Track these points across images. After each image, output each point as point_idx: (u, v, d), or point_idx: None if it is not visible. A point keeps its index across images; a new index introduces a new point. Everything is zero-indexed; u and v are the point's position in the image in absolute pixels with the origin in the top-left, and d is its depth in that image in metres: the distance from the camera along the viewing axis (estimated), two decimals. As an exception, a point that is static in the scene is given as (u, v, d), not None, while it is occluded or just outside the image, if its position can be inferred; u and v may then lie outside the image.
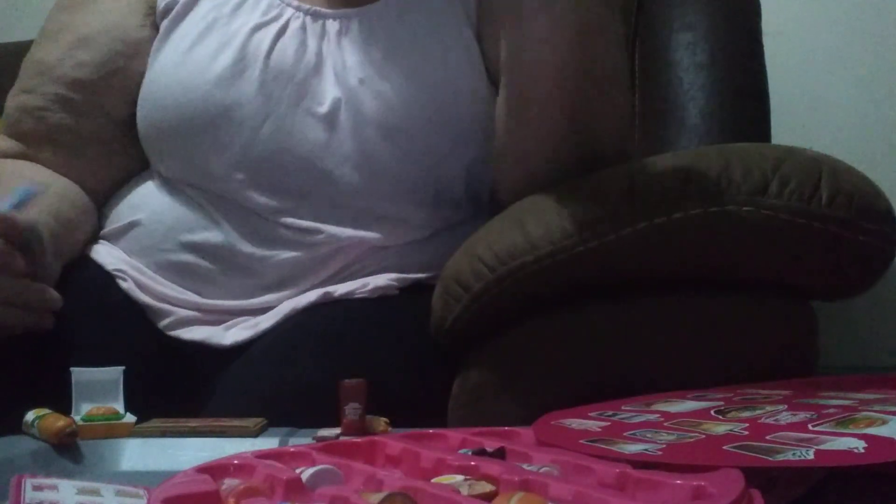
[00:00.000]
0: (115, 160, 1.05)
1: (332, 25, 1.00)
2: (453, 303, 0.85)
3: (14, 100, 1.05)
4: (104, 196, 1.05)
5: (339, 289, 0.95)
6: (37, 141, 1.03)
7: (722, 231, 0.77)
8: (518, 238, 0.83)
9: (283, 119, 0.96)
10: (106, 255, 0.99)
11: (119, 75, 1.02)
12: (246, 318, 0.95)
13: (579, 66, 0.85)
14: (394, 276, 0.97)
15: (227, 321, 0.96)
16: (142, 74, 1.02)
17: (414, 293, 0.96)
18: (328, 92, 0.97)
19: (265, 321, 0.94)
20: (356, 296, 0.94)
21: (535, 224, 0.83)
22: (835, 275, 0.81)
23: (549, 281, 0.82)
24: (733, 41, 1.34)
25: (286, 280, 0.95)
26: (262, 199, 0.96)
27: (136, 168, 1.05)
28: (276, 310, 0.94)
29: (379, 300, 0.94)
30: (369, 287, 0.95)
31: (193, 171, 0.98)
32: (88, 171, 1.04)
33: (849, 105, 1.56)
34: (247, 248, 0.96)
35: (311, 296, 0.94)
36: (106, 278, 0.97)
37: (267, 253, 0.95)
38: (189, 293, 0.97)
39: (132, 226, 1.00)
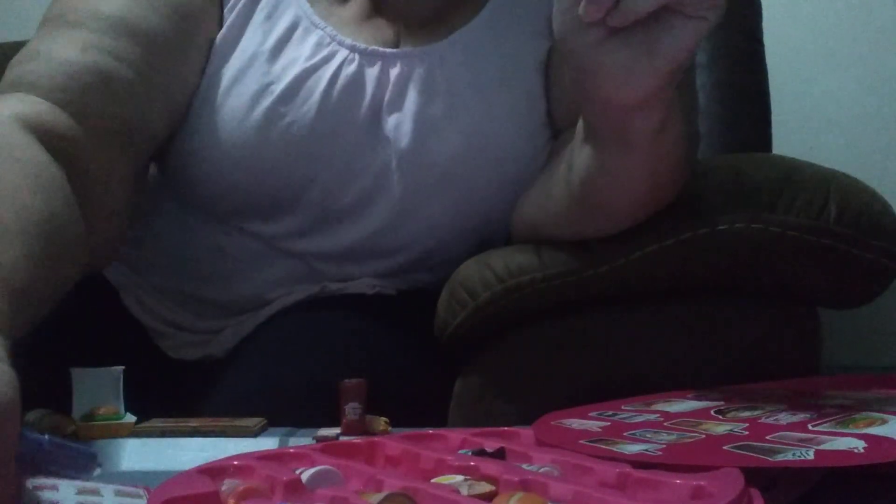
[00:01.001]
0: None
1: (393, 69, 0.90)
2: (458, 308, 0.85)
3: (58, 45, 0.80)
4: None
5: (336, 283, 0.94)
6: (96, 123, 0.80)
7: (730, 249, 0.77)
8: (531, 256, 0.83)
9: (330, 182, 0.90)
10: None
11: (191, 45, 0.88)
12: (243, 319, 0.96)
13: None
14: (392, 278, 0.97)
15: (223, 330, 0.96)
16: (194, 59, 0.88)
17: (411, 292, 0.96)
18: (381, 153, 0.90)
19: (262, 314, 0.93)
20: (353, 290, 0.94)
21: (548, 246, 0.83)
22: (840, 288, 0.81)
23: (557, 297, 0.82)
24: (733, 41, 1.34)
25: (290, 295, 0.95)
26: (296, 247, 0.93)
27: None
28: (271, 305, 0.94)
29: (376, 298, 0.94)
30: (366, 283, 0.94)
31: (220, 212, 0.93)
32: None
33: (849, 105, 1.57)
34: (256, 281, 0.94)
35: (308, 289, 0.94)
36: (107, 287, 0.97)
37: (280, 289, 0.94)
38: (188, 315, 0.96)
39: (135, 241, 0.97)
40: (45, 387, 0.81)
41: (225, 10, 0.91)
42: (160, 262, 0.96)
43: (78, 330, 0.91)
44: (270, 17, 0.90)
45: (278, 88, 0.87)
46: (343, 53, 0.90)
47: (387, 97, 0.90)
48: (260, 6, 0.91)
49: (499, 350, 0.86)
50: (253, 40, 0.89)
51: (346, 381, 0.68)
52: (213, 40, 0.90)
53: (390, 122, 0.90)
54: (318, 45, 0.89)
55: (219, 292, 0.95)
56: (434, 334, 0.90)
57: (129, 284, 0.97)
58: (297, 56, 0.89)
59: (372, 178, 0.90)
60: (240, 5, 0.90)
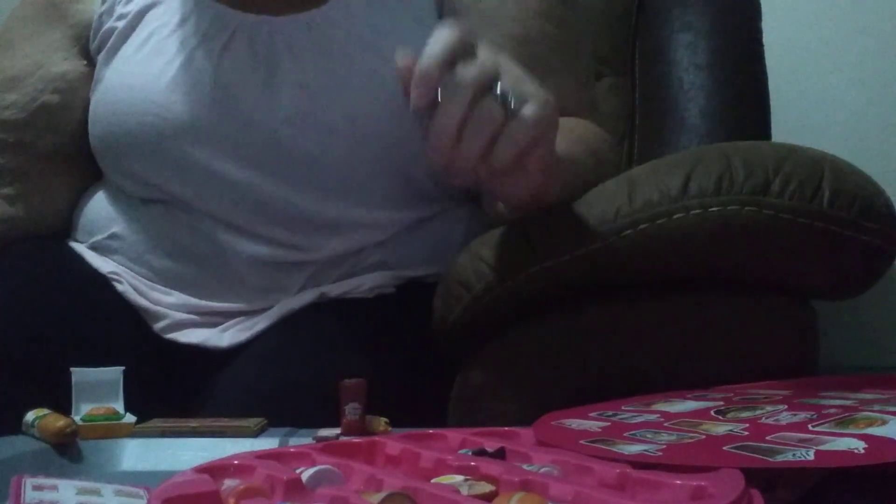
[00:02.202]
0: (45, 190, 1.05)
1: (281, 33, 0.96)
2: (454, 303, 0.85)
3: None
4: (50, 216, 1.06)
5: (335, 289, 0.95)
6: None
7: (723, 232, 0.77)
8: (522, 243, 0.83)
9: (237, 137, 0.93)
10: (98, 259, 1.00)
11: (45, 111, 1.03)
12: (242, 319, 0.96)
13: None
14: (389, 273, 0.97)
15: (223, 323, 0.96)
16: (69, 107, 1.03)
17: (411, 291, 0.96)
18: (283, 105, 0.93)
19: (261, 322, 0.94)
20: (352, 296, 0.94)
21: (538, 230, 0.83)
22: (836, 274, 0.81)
23: (552, 283, 0.82)
24: (733, 41, 1.34)
25: (278, 282, 0.95)
26: (223, 216, 0.95)
27: (76, 187, 1.06)
28: (271, 311, 0.94)
29: (376, 300, 0.94)
30: (365, 287, 0.95)
31: (149, 186, 0.97)
32: (20, 199, 1.04)
33: (849, 105, 1.57)
34: (233, 265, 0.95)
35: (307, 296, 0.94)
36: (101, 280, 0.98)
37: (250, 256, 0.95)
38: (183, 296, 0.97)
39: (113, 238, 1.00)
40: (46, 387, 0.81)
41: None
42: (140, 251, 0.98)
43: (77, 327, 0.91)
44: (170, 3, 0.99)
45: (179, 58, 0.95)
46: (235, 23, 0.97)
47: (282, 55, 0.95)
48: None
49: (498, 349, 0.86)
50: (150, 32, 0.98)
51: (346, 381, 0.69)
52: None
53: (290, 74, 0.94)
54: (213, 22, 0.97)
55: (203, 273, 0.96)
56: (432, 332, 0.90)
57: (121, 272, 0.98)
58: (195, 33, 0.96)
59: (277, 129, 0.93)
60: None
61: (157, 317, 0.96)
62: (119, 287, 0.97)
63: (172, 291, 0.97)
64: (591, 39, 1.34)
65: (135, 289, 0.97)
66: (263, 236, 0.94)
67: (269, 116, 0.93)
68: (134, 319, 0.96)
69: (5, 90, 1.03)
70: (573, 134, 0.90)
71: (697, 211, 0.77)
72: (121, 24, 1.00)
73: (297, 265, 0.95)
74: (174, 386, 0.92)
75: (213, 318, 0.96)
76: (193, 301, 0.96)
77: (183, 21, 0.98)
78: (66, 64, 1.03)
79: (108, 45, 1.01)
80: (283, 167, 0.93)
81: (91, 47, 1.04)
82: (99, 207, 1.02)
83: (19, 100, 1.03)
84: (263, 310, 0.95)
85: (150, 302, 0.97)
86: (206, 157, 0.93)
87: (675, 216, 0.78)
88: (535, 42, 1.00)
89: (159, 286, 0.97)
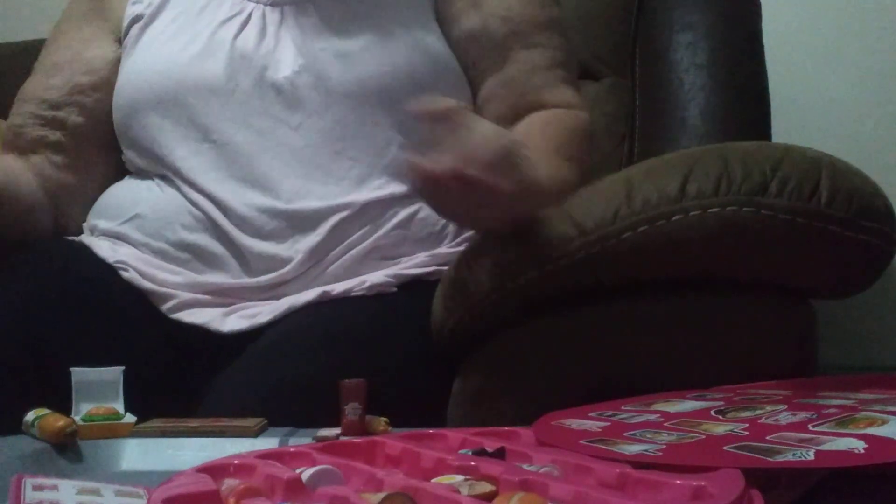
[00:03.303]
0: (85, 164, 1.15)
1: (290, 11, 1.07)
2: (454, 308, 0.85)
3: (5, 122, 1.19)
4: (78, 193, 1.14)
5: (337, 287, 0.95)
6: (18, 150, 1.16)
7: (722, 233, 0.77)
8: (518, 249, 0.83)
9: (249, 93, 1.03)
10: (108, 249, 1.01)
11: (77, 91, 1.14)
12: (245, 304, 0.96)
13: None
14: (390, 272, 0.97)
15: (228, 305, 0.97)
16: (99, 88, 1.13)
17: (412, 290, 0.96)
18: (289, 62, 1.03)
19: (263, 315, 0.94)
20: (354, 294, 0.95)
21: (535, 235, 0.83)
22: (835, 274, 0.81)
23: (552, 287, 0.82)
24: (733, 41, 1.34)
25: (277, 259, 0.97)
26: (227, 184, 0.99)
27: (110, 173, 1.14)
28: (274, 305, 0.95)
29: (377, 298, 0.95)
30: (366, 285, 0.95)
31: (167, 153, 1.03)
32: (67, 167, 1.14)
33: (849, 105, 1.56)
34: (232, 228, 0.98)
35: (310, 294, 0.95)
36: (107, 270, 0.99)
37: (249, 229, 0.98)
38: (191, 274, 0.98)
39: (136, 218, 1.03)
40: (45, 387, 0.81)
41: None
42: (159, 226, 1.01)
43: (80, 319, 0.92)
44: None
45: (202, 36, 1.06)
46: (251, 6, 1.08)
47: (291, 28, 1.06)
48: None
49: (498, 349, 0.86)
50: (176, 14, 1.09)
51: (346, 381, 0.69)
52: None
53: (297, 40, 1.05)
54: (233, 6, 1.08)
55: (213, 245, 0.99)
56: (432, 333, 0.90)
57: (128, 260, 1.00)
58: (216, 16, 1.08)
59: (284, 85, 1.02)
60: None
61: (165, 298, 0.98)
62: (125, 275, 0.98)
63: (181, 270, 0.99)
64: (591, 38, 1.34)
65: (141, 273, 0.98)
66: (260, 209, 0.98)
67: (276, 72, 1.03)
68: (138, 308, 0.97)
69: (49, 76, 1.16)
70: (550, 143, 0.98)
71: (696, 212, 0.77)
72: (149, 10, 1.12)
73: (292, 239, 0.97)
74: (176, 380, 0.93)
75: (219, 299, 0.97)
76: (200, 279, 0.98)
77: (203, 7, 1.09)
78: (100, 51, 1.15)
79: (138, 25, 1.12)
80: (285, 113, 1.02)
81: (123, 29, 1.13)
82: (124, 192, 1.07)
83: (58, 82, 1.15)
84: (265, 288, 0.96)
85: (157, 284, 0.98)
86: (218, 110, 1.02)
87: (673, 217, 0.78)
88: (514, 21, 1.09)
89: (169, 265, 0.99)
